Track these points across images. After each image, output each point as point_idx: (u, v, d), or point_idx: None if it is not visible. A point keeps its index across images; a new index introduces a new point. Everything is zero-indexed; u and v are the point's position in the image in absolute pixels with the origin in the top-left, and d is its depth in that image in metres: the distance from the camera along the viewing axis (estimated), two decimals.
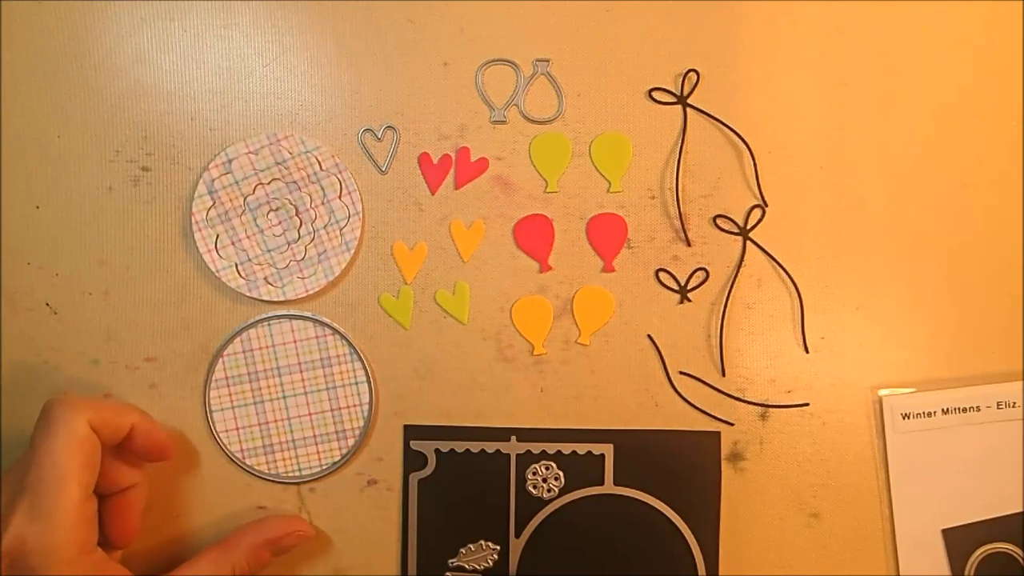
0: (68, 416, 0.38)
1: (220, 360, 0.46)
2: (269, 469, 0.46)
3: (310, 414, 0.46)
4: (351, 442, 0.46)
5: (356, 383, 0.46)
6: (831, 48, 0.47)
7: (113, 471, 0.41)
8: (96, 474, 0.38)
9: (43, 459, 0.37)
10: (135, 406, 0.42)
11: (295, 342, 0.46)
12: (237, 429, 0.46)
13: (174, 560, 0.43)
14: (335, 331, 0.46)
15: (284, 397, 0.46)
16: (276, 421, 0.46)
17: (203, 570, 0.41)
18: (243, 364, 0.46)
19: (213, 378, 0.46)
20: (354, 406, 0.46)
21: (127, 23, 0.46)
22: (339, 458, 0.46)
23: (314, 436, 0.46)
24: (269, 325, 0.46)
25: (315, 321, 0.46)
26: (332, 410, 0.46)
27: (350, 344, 0.46)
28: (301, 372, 0.46)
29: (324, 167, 0.46)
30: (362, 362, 0.46)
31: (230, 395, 0.46)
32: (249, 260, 0.46)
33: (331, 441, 0.46)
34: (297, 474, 0.46)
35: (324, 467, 0.46)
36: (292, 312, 0.46)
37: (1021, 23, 0.47)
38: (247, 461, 0.46)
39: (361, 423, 0.46)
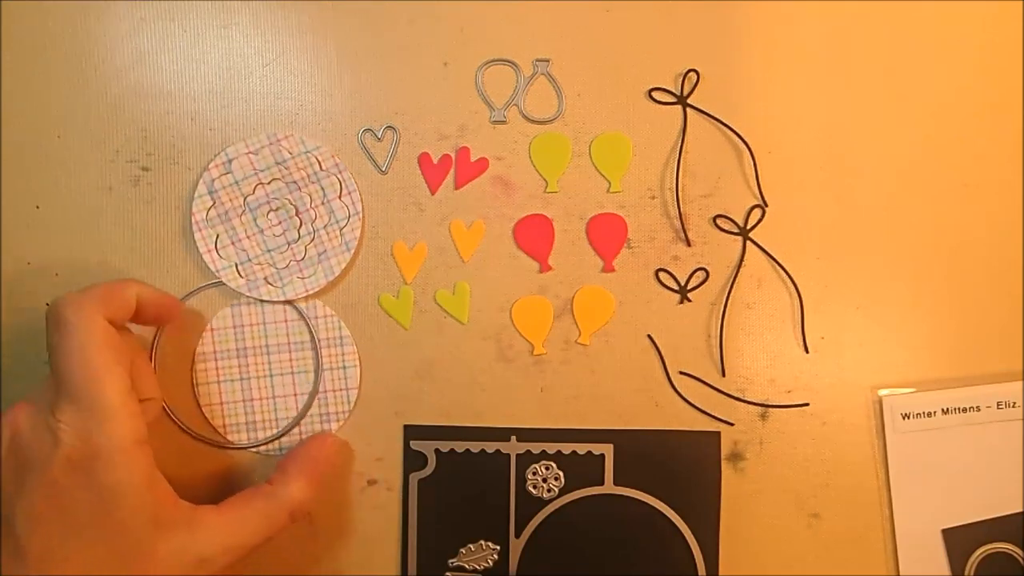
0: (82, 316, 0.37)
1: (209, 333, 0.46)
2: (250, 446, 0.46)
3: (295, 394, 0.46)
4: (334, 426, 0.46)
5: (344, 367, 0.46)
6: (831, 48, 0.47)
7: None
8: (128, 365, 0.38)
9: (72, 363, 0.36)
10: (131, 279, 0.41)
11: (286, 321, 0.46)
12: (221, 404, 0.46)
13: None
14: (331, 315, 0.46)
15: (271, 376, 0.46)
16: (261, 399, 0.46)
17: (256, 502, 0.40)
18: (232, 339, 0.46)
19: (200, 351, 0.46)
20: (340, 390, 0.46)
21: (127, 23, 0.46)
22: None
23: (298, 417, 0.46)
24: (262, 304, 0.46)
25: (308, 303, 0.46)
26: (320, 392, 0.46)
27: (341, 327, 0.46)
28: (290, 352, 0.46)
29: (324, 167, 0.46)
30: (353, 346, 0.46)
31: (216, 369, 0.46)
32: (249, 260, 0.46)
33: (314, 424, 0.46)
34: (278, 453, 0.46)
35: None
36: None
37: (1021, 23, 0.47)
38: (228, 437, 0.46)
39: (347, 407, 0.46)
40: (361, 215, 0.46)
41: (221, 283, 0.46)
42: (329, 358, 0.46)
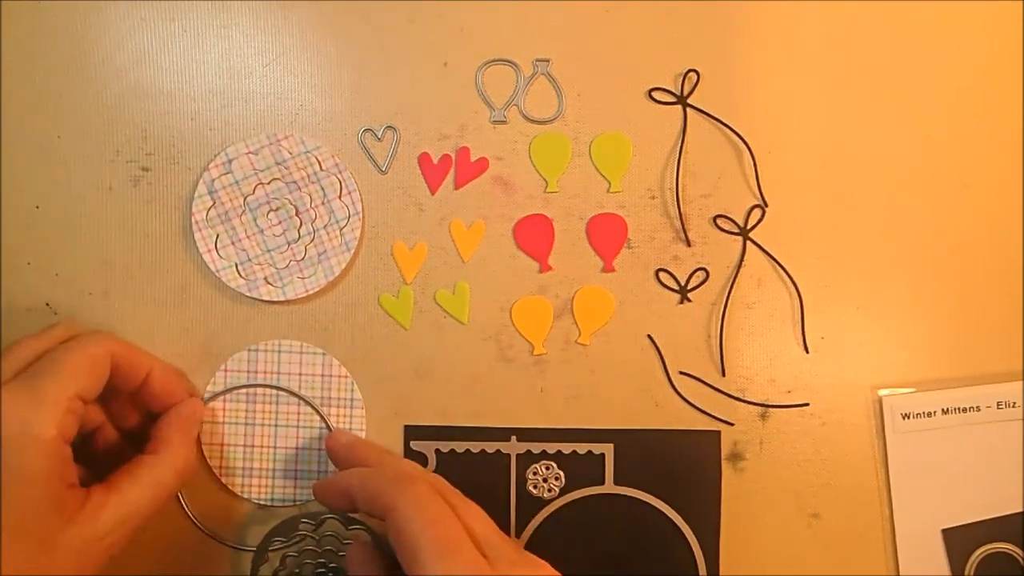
0: (93, 339, 0.40)
1: (222, 374, 0.46)
2: (242, 492, 0.46)
3: (297, 448, 0.46)
4: None
5: (350, 429, 0.46)
6: (831, 48, 0.47)
7: None
8: (96, 389, 0.40)
9: (56, 357, 0.38)
10: (155, 356, 0.44)
11: (300, 375, 0.46)
12: (222, 445, 0.46)
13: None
14: (345, 375, 0.46)
15: (276, 426, 0.46)
16: (262, 447, 0.46)
17: (146, 471, 0.40)
18: (244, 383, 0.46)
19: (211, 390, 0.46)
20: None
21: (127, 23, 0.46)
22: (313, 497, 0.46)
23: (295, 471, 0.46)
24: (279, 352, 0.46)
25: (324, 360, 0.46)
26: (319, 450, 0.46)
27: (353, 389, 0.46)
28: (299, 405, 0.46)
29: (324, 167, 0.46)
30: (362, 409, 0.46)
31: (224, 410, 0.46)
32: (249, 260, 0.46)
33: (310, 479, 0.46)
34: (268, 502, 0.46)
35: (298, 501, 0.46)
36: (306, 347, 0.46)
37: (1021, 23, 0.47)
38: (222, 479, 0.46)
39: None
40: (361, 215, 0.46)
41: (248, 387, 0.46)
42: (337, 418, 0.46)
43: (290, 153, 0.46)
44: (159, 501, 0.40)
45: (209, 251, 0.45)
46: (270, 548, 0.44)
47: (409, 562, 0.35)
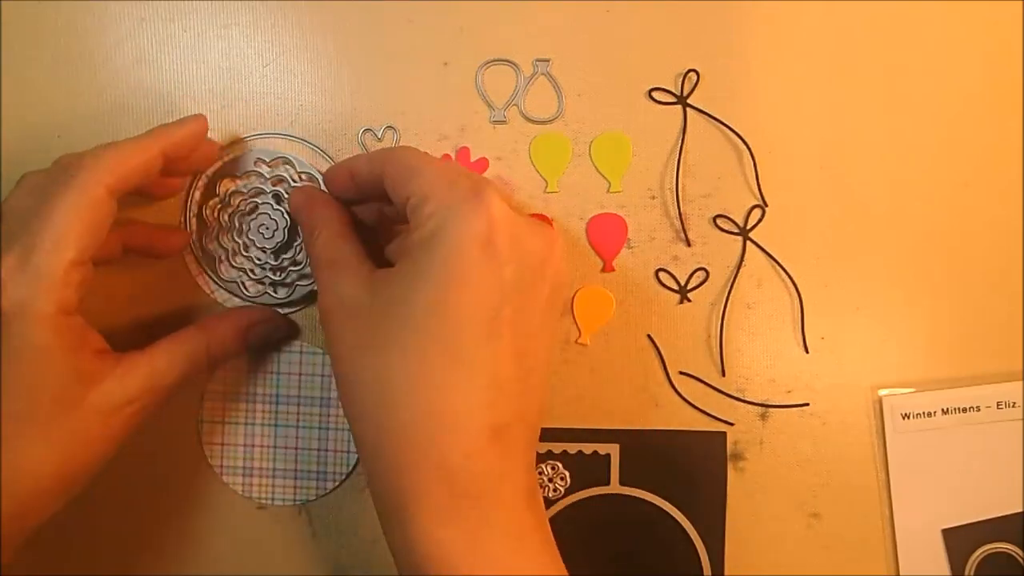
0: (84, 177, 0.37)
1: (222, 373, 0.46)
2: (243, 491, 0.46)
3: (296, 448, 0.46)
4: (330, 485, 0.46)
5: (349, 429, 0.46)
6: (832, 48, 0.47)
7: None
8: (100, 240, 0.38)
9: (47, 213, 0.36)
10: (158, 136, 0.40)
11: (300, 375, 0.46)
12: (222, 445, 0.46)
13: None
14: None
15: (276, 425, 0.46)
16: (261, 447, 0.46)
17: (180, 345, 0.40)
18: (244, 382, 0.46)
19: (211, 388, 0.46)
20: (342, 451, 0.46)
21: (127, 23, 0.46)
22: (313, 497, 0.46)
23: (295, 471, 0.46)
24: (279, 352, 0.46)
25: (325, 360, 0.46)
26: (319, 450, 0.46)
27: None
28: (299, 405, 0.46)
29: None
30: None
31: (223, 409, 0.46)
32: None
33: (310, 479, 0.46)
34: (268, 502, 0.46)
35: (298, 501, 0.46)
36: (306, 347, 0.46)
37: (1021, 23, 0.47)
38: (223, 478, 0.46)
39: (346, 469, 0.46)
40: None
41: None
42: (337, 418, 0.46)
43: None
44: (186, 377, 0.40)
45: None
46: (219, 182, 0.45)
47: (403, 182, 0.37)
